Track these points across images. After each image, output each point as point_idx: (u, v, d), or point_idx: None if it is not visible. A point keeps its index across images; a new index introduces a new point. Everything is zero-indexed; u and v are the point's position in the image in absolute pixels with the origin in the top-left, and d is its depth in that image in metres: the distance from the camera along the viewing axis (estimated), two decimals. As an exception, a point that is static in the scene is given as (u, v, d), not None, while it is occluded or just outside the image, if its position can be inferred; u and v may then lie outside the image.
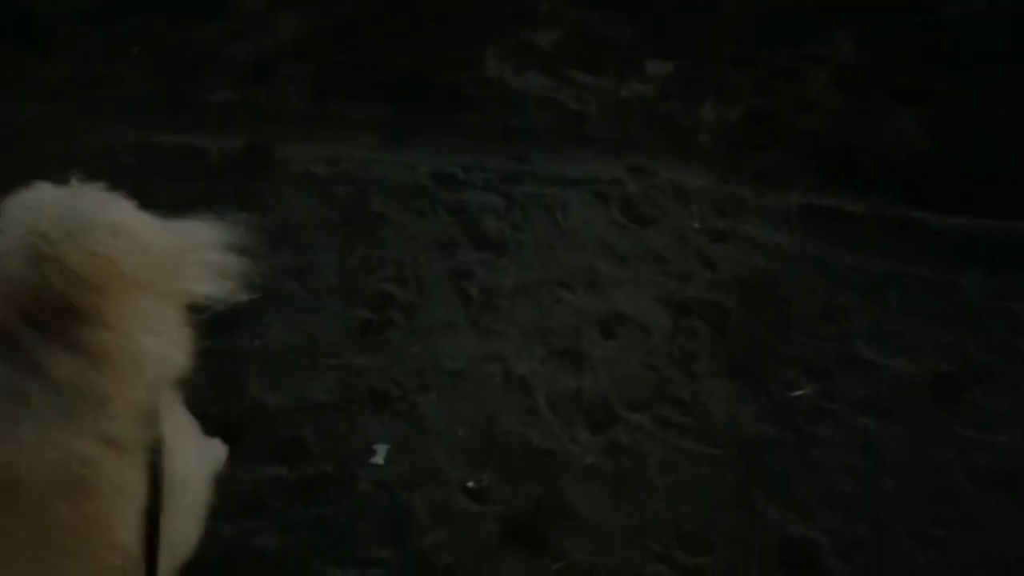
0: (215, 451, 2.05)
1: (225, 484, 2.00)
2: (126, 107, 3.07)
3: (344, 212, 2.76)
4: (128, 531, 1.36)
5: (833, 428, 2.23)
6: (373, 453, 2.16)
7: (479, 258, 2.64)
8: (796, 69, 3.28)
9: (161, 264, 1.48)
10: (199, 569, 1.85)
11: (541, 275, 2.59)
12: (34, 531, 1.31)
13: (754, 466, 2.15)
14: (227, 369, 2.29)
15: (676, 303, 2.52)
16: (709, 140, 3.08)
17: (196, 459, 1.57)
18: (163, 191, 2.75)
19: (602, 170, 2.92)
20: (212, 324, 2.38)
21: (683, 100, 3.23)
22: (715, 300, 2.53)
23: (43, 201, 1.42)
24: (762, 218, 2.77)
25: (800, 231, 2.73)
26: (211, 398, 2.20)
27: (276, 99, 3.12)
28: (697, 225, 2.74)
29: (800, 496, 2.10)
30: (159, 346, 1.46)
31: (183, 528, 1.52)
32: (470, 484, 2.10)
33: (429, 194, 2.83)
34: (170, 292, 1.52)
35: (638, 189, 2.85)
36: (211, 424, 2.14)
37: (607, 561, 1.99)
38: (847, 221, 2.76)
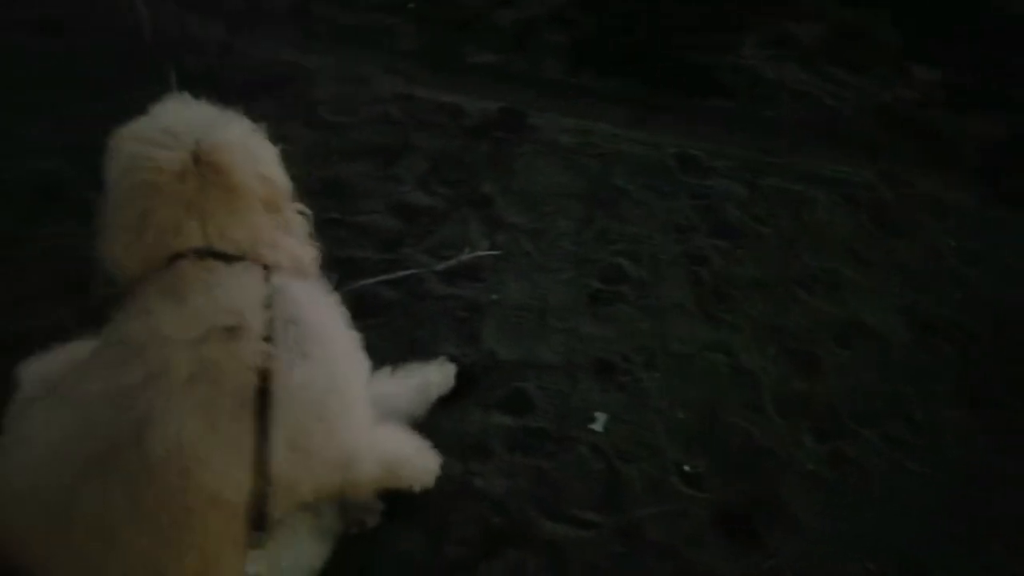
0: (443, 372, 2.18)
1: (454, 426, 2.15)
2: (396, 60, 3.26)
3: (587, 183, 2.82)
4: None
5: (1084, 477, 2.07)
6: (593, 419, 2.21)
7: (716, 245, 2.63)
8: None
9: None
10: (424, 502, 2.00)
11: (779, 271, 2.55)
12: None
13: (986, 503, 2.04)
14: (466, 318, 2.42)
15: (920, 320, 2.41)
16: (973, 155, 2.91)
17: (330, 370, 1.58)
18: (420, 142, 2.93)
19: (855, 172, 2.83)
20: (455, 274, 2.54)
21: (948, 110, 3.07)
22: (963, 323, 2.41)
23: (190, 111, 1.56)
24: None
25: (1069, 264, 2.54)
26: (452, 342, 2.34)
27: (534, 67, 3.22)
28: (952, 243, 2.60)
29: (1038, 543, 1.98)
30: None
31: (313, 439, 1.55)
32: (686, 467, 2.11)
33: (672, 175, 2.84)
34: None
35: (892, 197, 2.74)
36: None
37: (817, 568, 1.95)
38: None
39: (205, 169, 1.50)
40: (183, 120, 1.54)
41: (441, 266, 2.53)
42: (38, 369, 1.78)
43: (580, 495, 2.06)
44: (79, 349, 1.77)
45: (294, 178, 2.49)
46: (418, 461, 1.95)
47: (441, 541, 1.97)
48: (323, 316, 1.61)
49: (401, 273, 2.51)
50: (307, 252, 1.67)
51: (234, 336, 1.45)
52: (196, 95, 2.98)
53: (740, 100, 3.11)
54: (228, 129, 1.56)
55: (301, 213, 1.70)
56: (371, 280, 2.43)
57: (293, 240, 1.65)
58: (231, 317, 1.46)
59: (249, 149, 1.58)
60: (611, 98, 3.14)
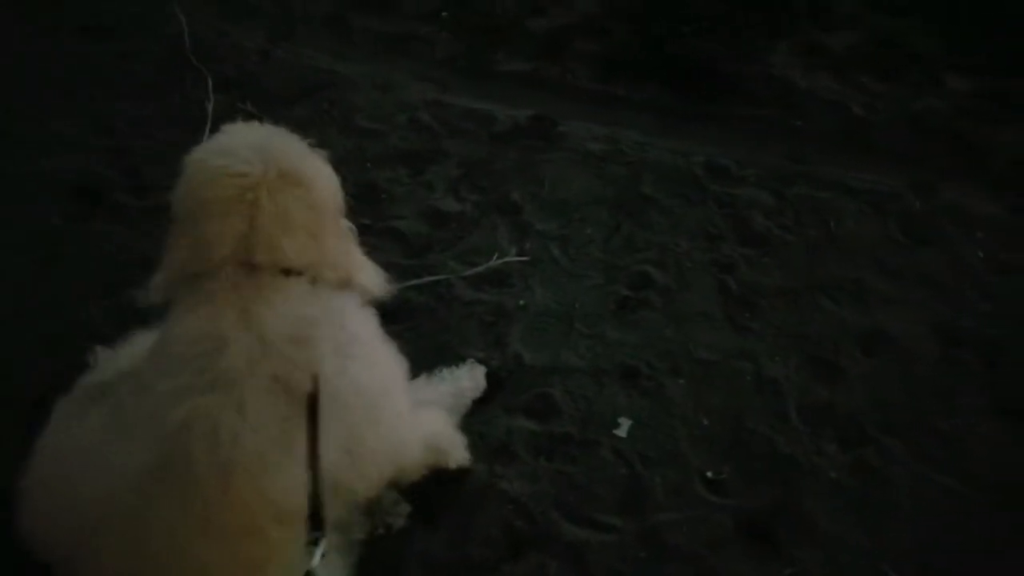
0: (475, 377, 2.24)
1: (481, 429, 2.19)
2: (429, 68, 3.31)
3: (615, 190, 2.85)
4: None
5: (1113, 494, 2.06)
6: (617, 425, 2.24)
7: (743, 253, 2.64)
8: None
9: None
10: (448, 503, 2.04)
11: (805, 280, 2.56)
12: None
13: (1015, 520, 2.03)
14: (493, 322, 2.45)
15: (947, 331, 2.41)
16: (1005, 166, 2.89)
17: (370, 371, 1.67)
18: (451, 148, 2.97)
19: (883, 182, 2.83)
20: (483, 279, 2.58)
21: (981, 120, 3.04)
22: (990, 335, 2.40)
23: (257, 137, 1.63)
24: (1056, 257, 2.58)
25: (1100, 277, 2.52)
26: (479, 346, 2.38)
27: (565, 75, 3.25)
28: (981, 254, 2.59)
29: (1064, 560, 1.97)
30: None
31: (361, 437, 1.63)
32: (709, 474, 2.13)
33: (700, 183, 2.86)
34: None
35: (920, 207, 2.73)
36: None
37: (839, 577, 1.97)
38: None
39: (285, 185, 1.57)
40: (259, 139, 1.62)
41: (469, 272, 2.58)
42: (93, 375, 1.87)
43: (603, 499, 2.09)
44: (130, 353, 1.85)
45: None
46: (455, 437, 2.06)
47: (465, 542, 2.00)
48: (363, 323, 1.71)
49: (430, 278, 2.55)
50: (360, 266, 1.74)
51: (298, 346, 1.52)
52: (233, 101, 3.08)
53: (770, 109, 3.12)
54: (300, 149, 1.66)
55: (349, 228, 1.78)
56: (400, 285, 2.47)
57: (351, 255, 1.73)
58: (294, 327, 1.53)
59: (322, 168, 1.68)
60: (640, 106, 3.16)
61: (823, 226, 2.69)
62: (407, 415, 1.79)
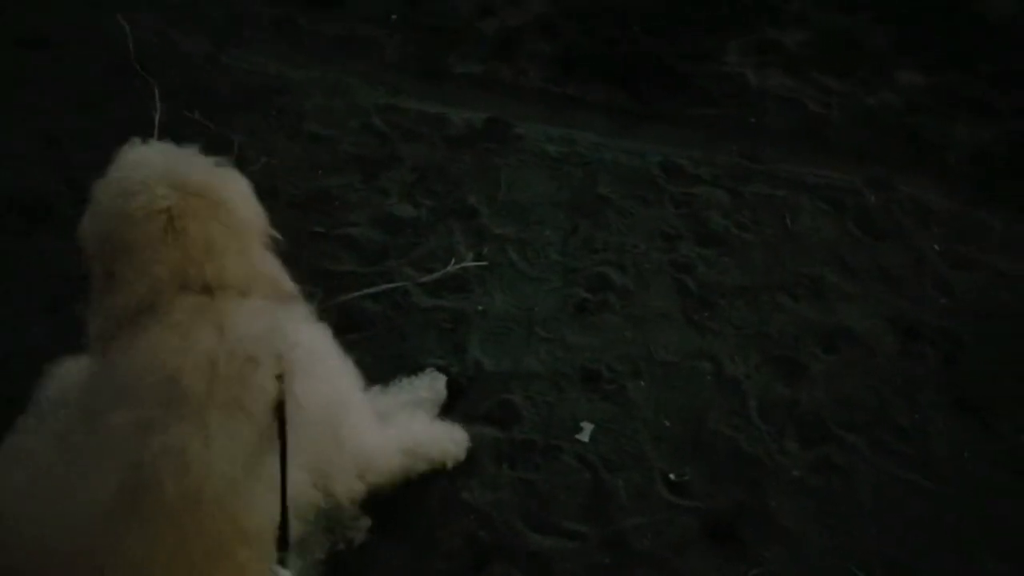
0: (435, 388, 2.21)
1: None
2: (380, 71, 3.26)
3: (572, 192, 2.82)
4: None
5: (1072, 483, 2.08)
6: (579, 430, 2.21)
7: (701, 253, 2.63)
8: (1068, 93, 3.04)
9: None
10: (409, 516, 2.00)
11: (763, 278, 2.55)
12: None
13: (976, 511, 2.04)
14: (452, 329, 2.41)
15: (905, 326, 2.41)
16: (958, 160, 2.91)
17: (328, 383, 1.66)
18: (405, 153, 2.93)
19: (839, 178, 2.84)
20: (440, 286, 2.54)
21: (934, 115, 3.07)
22: (949, 328, 2.41)
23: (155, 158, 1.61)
24: (1010, 249, 2.61)
25: (1053, 268, 2.54)
26: (438, 354, 2.33)
27: (519, 76, 3.22)
28: (937, 247, 2.61)
29: (1024, 551, 1.98)
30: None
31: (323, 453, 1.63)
32: (672, 476, 2.11)
33: (656, 183, 2.84)
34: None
35: (877, 202, 2.74)
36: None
37: (805, 576, 1.95)
38: (1109, 263, 2.55)
39: (205, 207, 1.55)
40: (166, 164, 1.59)
41: (426, 278, 2.53)
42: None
43: (566, 506, 2.06)
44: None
45: (280, 191, 2.50)
46: (445, 439, 2.05)
47: (428, 556, 1.97)
48: (315, 336, 1.68)
49: (386, 286, 2.50)
50: (286, 278, 1.70)
51: (252, 366, 1.49)
52: (180, 110, 3.01)
53: (724, 107, 3.11)
54: (208, 168, 1.64)
55: (273, 238, 1.74)
56: (355, 294, 2.43)
57: (275, 267, 1.69)
58: (246, 348, 1.50)
59: (236, 182, 1.66)
60: (595, 107, 3.14)
61: (780, 224, 2.69)
62: (373, 425, 1.78)
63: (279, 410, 1.49)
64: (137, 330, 1.51)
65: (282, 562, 1.46)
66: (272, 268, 1.65)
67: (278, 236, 1.73)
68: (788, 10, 3.47)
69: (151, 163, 1.59)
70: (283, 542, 1.48)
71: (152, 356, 1.48)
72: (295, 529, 1.53)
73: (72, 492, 1.48)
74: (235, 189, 1.65)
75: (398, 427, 1.92)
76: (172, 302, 1.51)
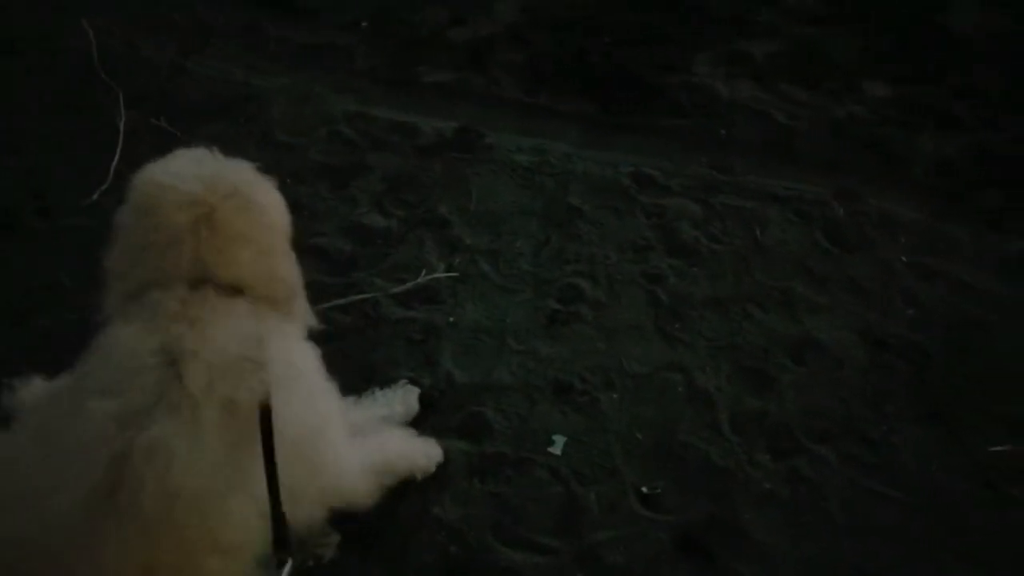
0: (407, 401, 2.19)
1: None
2: (350, 80, 3.23)
3: (543, 203, 2.82)
4: None
5: (1036, 493, 2.10)
6: (551, 443, 2.20)
7: (672, 264, 2.63)
8: (1032, 106, 3.08)
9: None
10: (380, 531, 1.98)
11: (733, 290, 2.56)
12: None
13: (944, 521, 2.05)
14: (422, 341, 2.39)
15: (874, 337, 2.43)
16: (925, 172, 2.95)
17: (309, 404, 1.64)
18: (374, 162, 2.91)
19: (808, 189, 2.85)
20: (411, 297, 2.52)
21: (901, 127, 3.10)
22: (916, 340, 2.43)
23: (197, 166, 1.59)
24: (976, 261, 2.63)
25: (1018, 279, 2.57)
26: (409, 366, 2.31)
27: (489, 86, 3.21)
28: (905, 259, 2.63)
29: (994, 563, 1.98)
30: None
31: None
32: (644, 489, 2.11)
33: (628, 194, 2.85)
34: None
35: (845, 214, 2.76)
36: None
37: (776, 590, 1.95)
38: (1072, 275, 2.58)
39: (237, 206, 1.55)
40: (210, 164, 1.60)
41: (397, 289, 2.51)
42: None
43: (538, 520, 2.05)
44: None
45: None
46: (414, 453, 2.04)
47: (399, 572, 1.94)
48: (303, 354, 1.66)
49: (356, 297, 2.48)
50: (300, 292, 1.70)
51: (249, 367, 1.46)
52: (146, 118, 2.96)
53: (694, 118, 3.12)
54: (250, 174, 1.64)
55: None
56: (324, 305, 2.40)
57: (295, 278, 1.68)
58: (246, 347, 1.48)
59: (272, 193, 1.67)
60: (566, 117, 3.14)
61: (750, 235, 2.70)
62: (345, 449, 1.74)
63: (266, 411, 1.45)
64: (140, 313, 1.49)
65: (280, 564, 1.44)
66: (289, 273, 1.65)
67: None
68: (758, 22, 3.49)
69: (190, 161, 1.59)
70: (281, 544, 1.45)
71: (148, 343, 1.45)
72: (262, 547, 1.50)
73: (50, 483, 1.43)
74: (268, 194, 1.65)
75: (371, 447, 1.89)
76: (181, 289, 1.49)
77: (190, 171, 1.56)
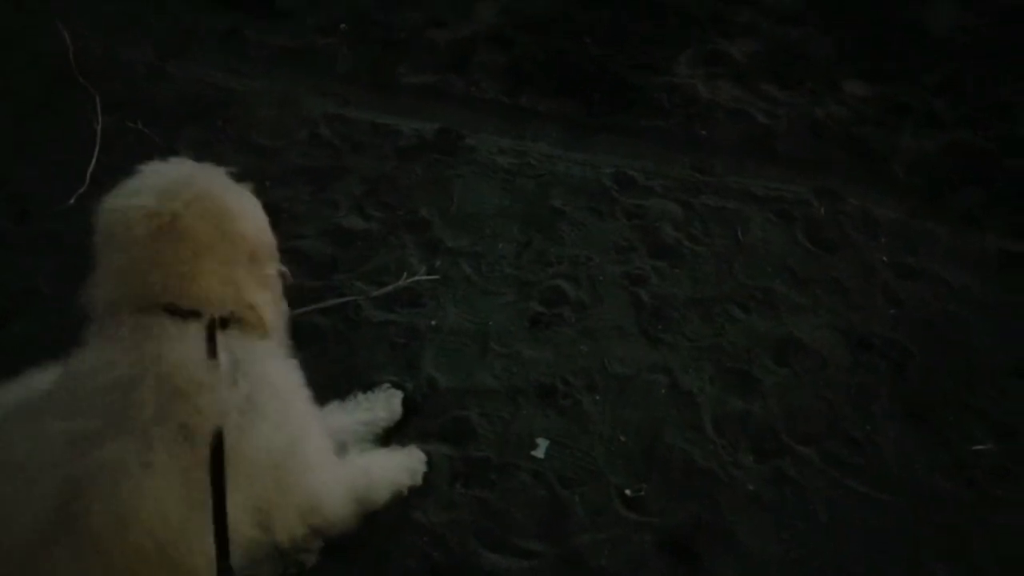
0: (390, 405, 2.17)
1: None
2: (329, 82, 3.21)
3: (525, 204, 2.80)
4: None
5: (1018, 491, 2.10)
6: (535, 446, 2.19)
7: (654, 265, 2.63)
8: (1010, 104, 3.10)
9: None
10: (362, 537, 1.95)
11: (715, 290, 2.56)
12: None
13: (926, 520, 2.06)
14: (404, 344, 2.38)
15: (856, 337, 2.43)
16: (905, 170, 2.95)
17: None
18: (354, 164, 2.89)
19: (788, 189, 2.86)
20: (393, 300, 2.50)
21: (880, 125, 3.11)
22: (898, 339, 2.43)
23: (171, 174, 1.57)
24: (956, 259, 2.64)
25: (997, 278, 2.58)
26: (391, 370, 2.30)
27: (470, 87, 3.20)
28: (885, 258, 2.64)
29: (975, 561, 1.99)
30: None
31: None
32: (628, 491, 2.10)
33: (609, 195, 2.84)
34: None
35: (825, 213, 2.77)
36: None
37: (761, 591, 1.95)
38: (1051, 272, 2.60)
39: (205, 221, 1.51)
40: (181, 174, 1.55)
41: (378, 292, 2.49)
42: None
43: (522, 524, 2.04)
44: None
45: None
46: (398, 475, 2.01)
47: (381, 577, 1.93)
48: (280, 374, 1.62)
49: (336, 300, 2.46)
50: (277, 313, 1.66)
51: (206, 393, 1.44)
52: (123, 121, 2.93)
53: (674, 119, 3.12)
54: (224, 183, 1.60)
55: (281, 274, 1.70)
56: (305, 308, 2.38)
57: (268, 298, 1.64)
58: (204, 373, 1.45)
59: (247, 202, 1.62)
60: (546, 118, 3.13)
61: (731, 236, 2.70)
62: (324, 469, 1.71)
63: (217, 442, 1.43)
64: (105, 334, 1.48)
65: None
66: (266, 298, 1.60)
67: (284, 269, 1.70)
68: (737, 21, 3.50)
69: (162, 171, 1.56)
70: (224, 572, 1.42)
71: (109, 367, 1.43)
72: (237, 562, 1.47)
73: (6, 506, 1.40)
74: (239, 202, 1.60)
75: (354, 472, 1.84)
76: (143, 312, 1.47)
77: (150, 184, 1.52)
